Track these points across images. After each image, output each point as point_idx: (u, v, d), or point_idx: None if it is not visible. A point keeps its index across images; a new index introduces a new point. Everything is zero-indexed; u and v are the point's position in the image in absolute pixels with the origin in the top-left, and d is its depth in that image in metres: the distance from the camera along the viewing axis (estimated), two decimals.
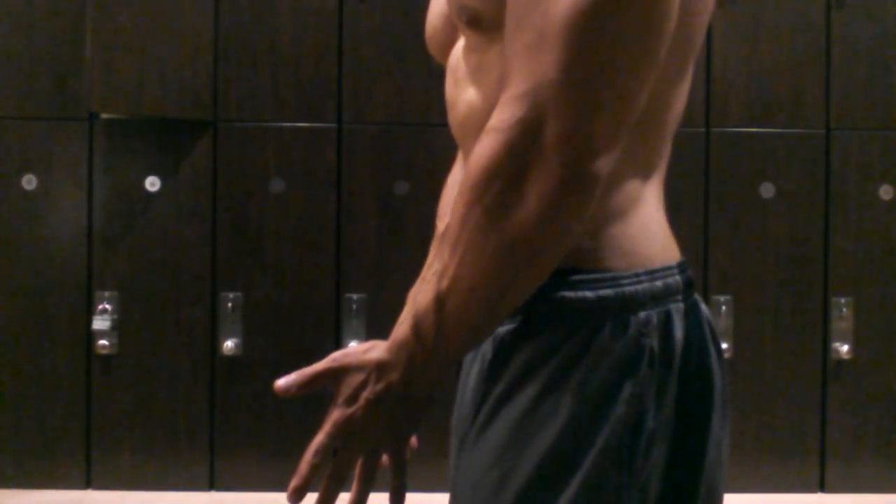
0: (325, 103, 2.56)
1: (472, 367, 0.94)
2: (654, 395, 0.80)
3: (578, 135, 0.69)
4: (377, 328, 2.52)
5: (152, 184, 2.54)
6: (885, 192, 2.58)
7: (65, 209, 2.54)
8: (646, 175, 0.86)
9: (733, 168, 2.57)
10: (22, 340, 2.53)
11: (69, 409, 2.53)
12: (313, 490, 0.85)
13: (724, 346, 2.48)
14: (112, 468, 2.53)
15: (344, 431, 0.85)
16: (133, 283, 2.53)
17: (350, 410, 0.85)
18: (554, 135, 0.69)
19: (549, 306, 0.81)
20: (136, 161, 2.54)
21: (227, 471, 2.54)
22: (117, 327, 2.52)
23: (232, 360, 2.53)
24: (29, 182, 2.53)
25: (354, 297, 2.53)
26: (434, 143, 2.51)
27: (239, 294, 2.54)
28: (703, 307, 0.88)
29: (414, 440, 1.06)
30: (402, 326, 0.82)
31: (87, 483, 2.53)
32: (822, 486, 2.57)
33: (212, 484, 2.54)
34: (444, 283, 0.76)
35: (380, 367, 0.83)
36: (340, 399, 0.86)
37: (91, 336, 2.52)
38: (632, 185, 0.84)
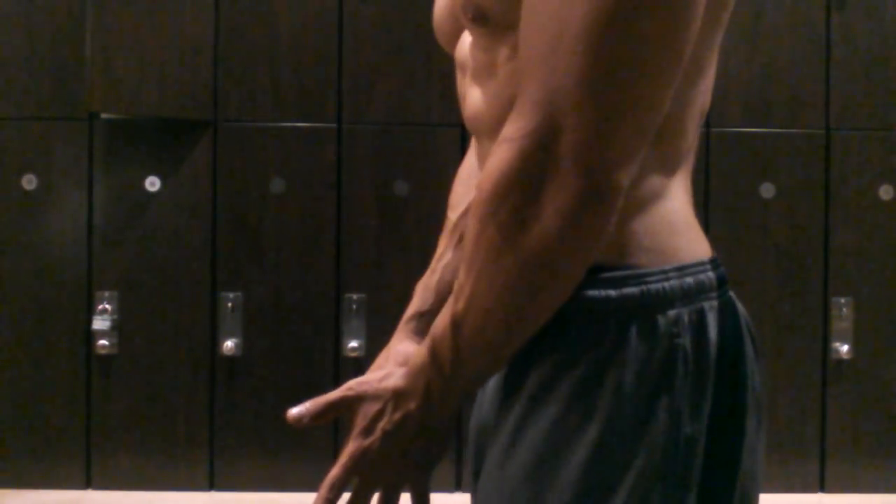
0: (325, 103, 2.55)
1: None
2: (689, 400, 0.77)
3: (597, 145, 0.65)
4: (377, 328, 2.52)
5: (152, 184, 2.54)
6: (885, 192, 2.58)
7: (65, 209, 2.54)
8: (669, 169, 0.83)
9: (733, 168, 2.57)
10: (22, 340, 2.53)
11: (69, 409, 2.53)
12: None
13: None
14: (112, 468, 2.53)
15: (361, 464, 0.82)
16: (133, 283, 2.53)
17: (367, 442, 0.81)
18: (570, 145, 0.65)
19: (571, 306, 0.78)
20: (136, 161, 2.54)
21: (227, 471, 2.54)
22: (117, 327, 2.52)
23: (232, 360, 2.53)
24: (29, 182, 2.53)
25: (354, 297, 2.53)
26: (434, 143, 2.50)
27: (239, 294, 2.54)
28: (740, 305, 0.84)
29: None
30: (419, 351, 0.78)
31: (87, 483, 2.53)
32: (822, 486, 2.57)
33: (212, 484, 2.54)
34: (460, 304, 0.73)
35: (397, 396, 0.80)
36: (356, 430, 0.82)
37: (91, 336, 2.52)
38: (653, 179, 0.81)
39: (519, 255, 0.69)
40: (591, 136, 0.65)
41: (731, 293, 0.84)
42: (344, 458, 0.82)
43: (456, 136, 2.49)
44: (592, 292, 0.78)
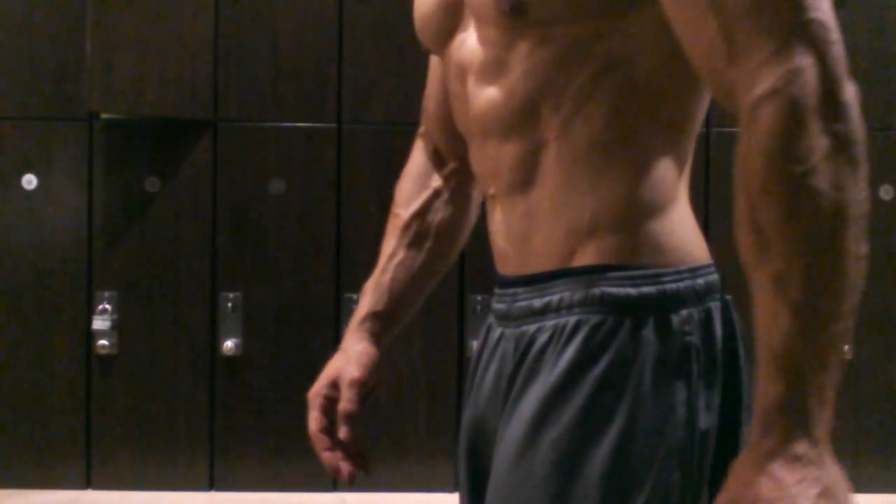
0: (325, 103, 2.55)
1: (490, 366, 0.92)
2: (703, 395, 0.80)
3: (842, 65, 0.65)
4: None
5: (152, 184, 2.54)
6: (885, 192, 2.58)
7: (65, 209, 2.54)
8: (679, 172, 0.85)
9: (733, 168, 2.57)
10: (22, 340, 2.53)
11: (69, 409, 2.53)
12: None
13: None
14: (112, 468, 2.53)
15: None
16: (133, 283, 2.53)
17: None
18: (828, 75, 0.64)
19: (589, 304, 0.81)
20: (136, 161, 2.54)
21: (227, 471, 2.54)
22: (117, 327, 2.52)
23: (232, 360, 2.53)
24: (29, 182, 2.53)
25: (354, 297, 2.53)
26: None
27: (239, 294, 2.54)
28: (734, 310, 0.86)
29: None
30: (762, 399, 0.63)
31: (87, 483, 2.53)
32: None
33: (212, 484, 2.54)
34: (797, 295, 0.63)
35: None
36: None
37: (91, 336, 2.52)
38: (668, 181, 0.84)
39: (845, 210, 0.66)
40: (837, 59, 0.64)
41: (727, 296, 0.87)
42: None
43: None
44: (611, 290, 0.80)
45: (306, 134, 2.55)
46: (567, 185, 0.83)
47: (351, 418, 0.94)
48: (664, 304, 0.80)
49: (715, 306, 0.83)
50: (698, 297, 0.82)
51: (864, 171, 0.67)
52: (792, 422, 0.61)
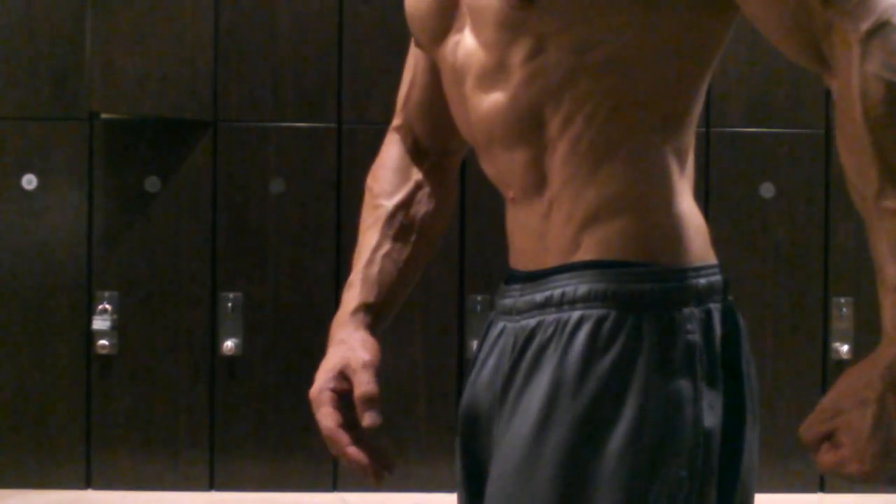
0: (325, 103, 2.55)
1: (489, 360, 0.92)
2: (707, 395, 0.80)
3: None
4: None
5: (152, 184, 2.54)
6: None
7: (65, 209, 2.54)
8: (680, 167, 0.86)
9: (733, 168, 2.57)
10: (22, 340, 2.53)
11: (69, 409, 2.53)
12: None
13: None
14: (112, 468, 2.53)
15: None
16: (133, 283, 2.53)
17: None
18: None
19: (592, 299, 0.81)
20: (136, 161, 2.54)
21: (227, 471, 2.54)
22: (117, 327, 2.52)
23: (232, 360, 2.53)
24: (29, 182, 2.53)
25: None
26: None
27: (239, 294, 2.54)
28: (738, 312, 0.87)
29: None
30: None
31: (87, 483, 2.53)
32: (822, 486, 2.57)
33: (212, 484, 2.54)
34: None
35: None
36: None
37: (91, 336, 2.52)
38: (669, 177, 0.84)
39: None
40: None
41: (731, 299, 0.87)
42: None
43: None
44: (614, 286, 0.81)
45: (306, 134, 2.55)
46: (571, 182, 0.83)
47: (374, 401, 0.87)
48: (667, 302, 0.80)
49: (715, 307, 0.83)
50: (699, 296, 0.82)
51: None
52: None
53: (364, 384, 0.87)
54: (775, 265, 2.57)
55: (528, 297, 0.87)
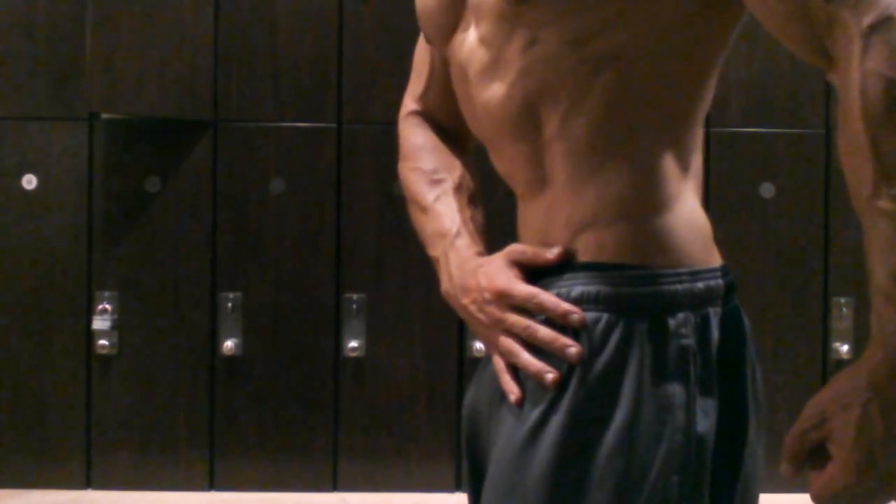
0: (325, 103, 2.55)
1: (490, 363, 0.92)
2: (700, 400, 0.80)
3: None
4: (377, 328, 2.52)
5: (152, 184, 2.54)
6: None
7: (65, 209, 2.54)
8: (683, 169, 0.85)
9: (733, 168, 2.57)
10: (22, 340, 2.53)
11: (69, 409, 2.53)
12: None
13: None
14: (112, 468, 2.53)
15: None
16: (133, 283, 2.53)
17: None
18: None
19: (585, 301, 0.81)
20: (136, 161, 2.54)
21: (227, 471, 2.54)
22: (117, 327, 2.52)
23: (232, 360, 2.53)
24: (29, 182, 2.53)
25: (354, 297, 2.53)
26: None
27: (239, 294, 2.53)
28: (745, 316, 0.86)
29: None
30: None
31: (87, 483, 2.53)
32: None
33: (212, 484, 2.54)
34: None
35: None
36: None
37: (91, 336, 2.52)
38: (670, 178, 0.83)
39: None
40: None
41: (737, 301, 0.87)
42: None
43: None
44: (607, 288, 0.80)
45: (306, 134, 2.55)
46: (570, 181, 0.83)
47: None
48: (660, 306, 0.80)
49: (714, 311, 0.82)
50: (696, 301, 0.81)
51: None
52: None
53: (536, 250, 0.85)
54: (775, 265, 2.57)
55: None
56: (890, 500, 0.72)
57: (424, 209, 0.97)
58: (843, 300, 2.55)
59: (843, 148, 0.70)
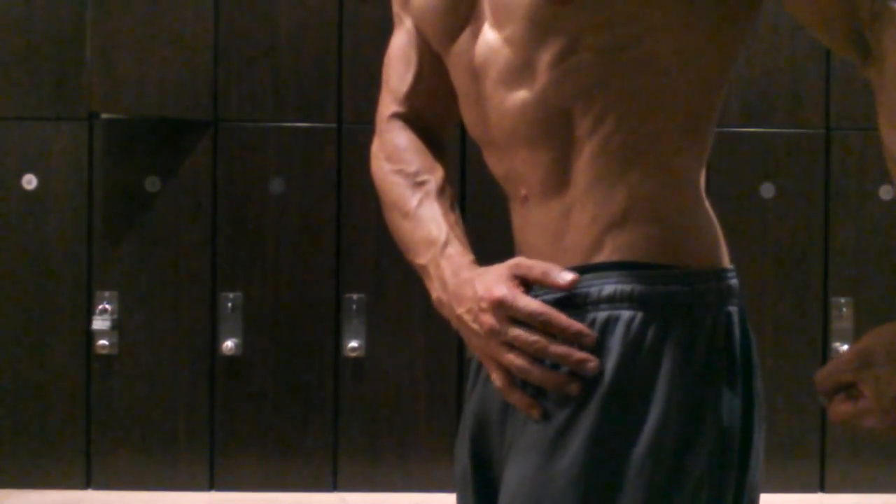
0: (325, 103, 2.55)
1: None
2: (728, 398, 0.80)
3: None
4: (377, 328, 2.52)
5: (152, 184, 2.54)
6: (885, 192, 2.58)
7: (65, 209, 2.54)
8: (701, 172, 0.87)
9: (733, 168, 2.57)
10: (22, 340, 2.53)
11: (69, 409, 2.53)
12: None
13: None
14: (112, 468, 2.53)
15: None
16: (133, 283, 2.53)
17: None
18: None
19: (618, 300, 0.80)
20: (136, 161, 2.54)
21: (227, 471, 2.54)
22: (117, 327, 2.52)
23: (232, 360, 2.53)
24: (29, 182, 2.53)
25: (354, 297, 2.53)
26: None
27: (239, 294, 2.53)
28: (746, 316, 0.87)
29: None
30: None
31: (87, 483, 2.53)
32: (822, 486, 2.57)
33: (212, 484, 2.54)
34: None
35: None
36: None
37: (91, 336, 2.52)
38: (694, 181, 0.85)
39: None
40: None
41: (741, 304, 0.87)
42: None
43: (455, 136, 2.49)
44: (642, 287, 0.80)
45: (306, 134, 2.55)
46: (598, 181, 0.83)
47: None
48: (692, 304, 0.81)
49: (734, 311, 0.84)
50: (722, 300, 0.83)
51: None
52: None
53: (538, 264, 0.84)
54: (775, 265, 2.57)
55: (542, 297, 0.85)
56: None
57: (406, 214, 0.96)
58: (843, 300, 2.55)
59: (889, 128, 0.73)
